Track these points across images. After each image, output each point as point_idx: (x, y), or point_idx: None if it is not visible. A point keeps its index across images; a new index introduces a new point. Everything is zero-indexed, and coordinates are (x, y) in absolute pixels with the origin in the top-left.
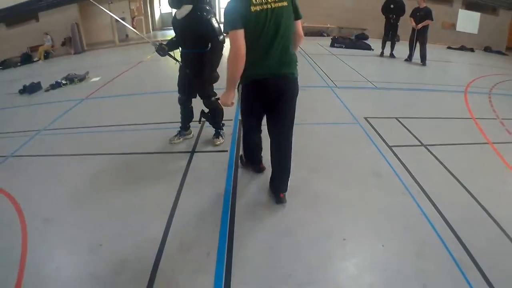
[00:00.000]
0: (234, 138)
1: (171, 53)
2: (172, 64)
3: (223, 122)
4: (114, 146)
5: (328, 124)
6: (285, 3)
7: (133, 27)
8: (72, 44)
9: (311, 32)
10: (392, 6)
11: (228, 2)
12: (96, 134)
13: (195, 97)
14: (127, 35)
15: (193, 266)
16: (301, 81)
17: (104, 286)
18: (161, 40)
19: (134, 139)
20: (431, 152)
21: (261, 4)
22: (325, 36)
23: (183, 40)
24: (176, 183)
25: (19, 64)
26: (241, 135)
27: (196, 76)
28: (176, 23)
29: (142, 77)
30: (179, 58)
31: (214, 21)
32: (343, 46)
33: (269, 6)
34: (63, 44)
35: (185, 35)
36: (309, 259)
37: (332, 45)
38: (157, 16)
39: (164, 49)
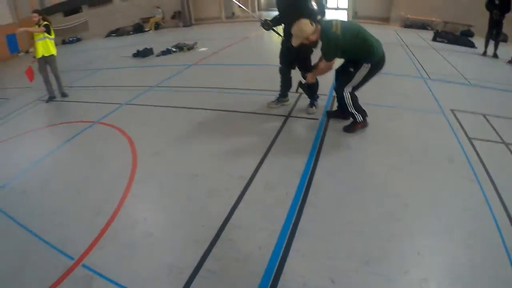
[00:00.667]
0: (326, 109)
1: (275, 28)
2: (273, 41)
3: (317, 94)
4: (216, 103)
5: (415, 110)
6: None
7: (238, 6)
8: (181, 17)
9: (414, 25)
10: (497, 1)
11: (328, 36)
12: (201, 93)
13: (294, 68)
14: (233, 13)
15: (272, 201)
16: (396, 70)
17: (195, 204)
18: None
19: (235, 100)
20: (510, 151)
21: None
22: (428, 29)
23: (286, 18)
24: (269, 138)
25: (131, 33)
26: (351, 103)
27: (296, 49)
28: (280, 3)
29: (246, 51)
30: (281, 34)
31: (313, 2)
32: (445, 41)
33: None
34: (173, 17)
35: (288, 13)
36: (371, 214)
37: (434, 39)
38: None
39: (269, 24)
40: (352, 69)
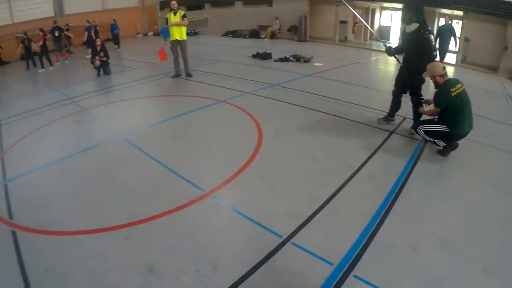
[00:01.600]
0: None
1: (396, 56)
2: (381, 70)
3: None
4: (330, 109)
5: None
6: None
7: (352, 32)
8: (296, 32)
9: None
10: None
11: (445, 90)
12: (316, 99)
13: (405, 93)
14: (346, 37)
15: (372, 188)
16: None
17: (311, 177)
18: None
19: (346, 110)
20: None
21: None
22: None
23: (407, 48)
24: (374, 144)
25: (247, 36)
26: (426, 137)
27: (411, 77)
28: (405, 35)
29: (357, 73)
30: (400, 61)
31: (432, 39)
32: None
33: None
34: (289, 30)
35: (409, 45)
36: (442, 214)
37: None
38: (375, 26)
39: (392, 51)
40: (436, 119)
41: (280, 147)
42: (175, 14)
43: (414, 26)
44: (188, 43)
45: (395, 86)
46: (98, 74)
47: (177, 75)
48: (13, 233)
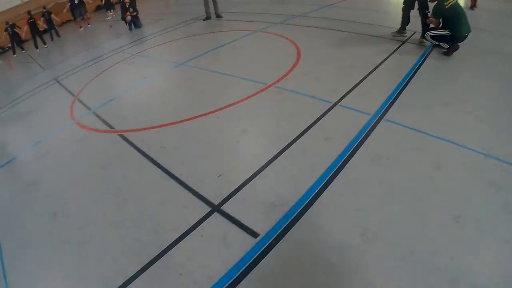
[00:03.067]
0: (427, 50)
1: None
2: None
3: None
4: (349, 29)
5: None
6: None
7: None
8: None
9: None
10: None
11: (439, 5)
12: (336, 22)
13: (413, 8)
14: None
15: (391, 75)
16: None
17: (345, 71)
18: None
19: (363, 29)
20: None
21: None
22: None
23: None
24: (390, 49)
25: None
26: (432, 41)
27: None
28: None
29: (368, 1)
30: None
31: None
32: None
33: None
34: None
35: None
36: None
37: None
38: None
39: None
40: (440, 26)
41: (315, 55)
42: None
43: None
44: None
45: (403, 3)
46: (130, 29)
47: (208, 18)
48: (121, 136)
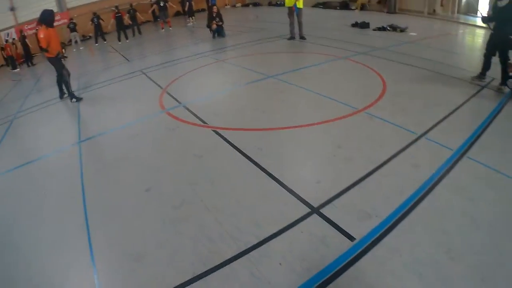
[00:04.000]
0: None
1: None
2: (468, 41)
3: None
4: (430, 67)
5: None
6: None
7: (440, 5)
8: (386, 4)
9: None
10: None
11: None
12: (417, 59)
13: (495, 55)
14: (434, 10)
15: (470, 113)
16: None
17: (429, 106)
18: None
19: (444, 69)
20: None
21: None
22: None
23: (500, 19)
24: (469, 92)
25: (337, 8)
26: None
27: (502, 43)
28: (496, 8)
29: (451, 42)
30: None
31: None
32: None
33: None
34: (379, 2)
35: (501, 16)
36: None
37: None
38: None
39: (486, 19)
40: None
41: (401, 88)
42: None
43: (505, 1)
44: (278, 12)
45: (486, 49)
46: (214, 37)
47: (292, 37)
48: (216, 132)
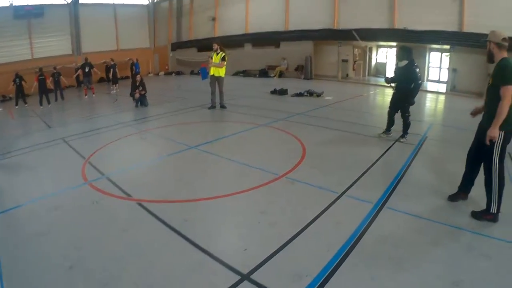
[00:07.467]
0: (415, 148)
1: (392, 84)
2: (379, 100)
3: (408, 132)
4: (345, 128)
5: None
6: None
7: (352, 69)
8: (303, 71)
9: None
10: None
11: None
12: (333, 122)
13: (397, 112)
14: (347, 74)
15: (388, 167)
16: None
17: (349, 165)
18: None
19: (356, 128)
20: None
21: None
22: None
23: (399, 78)
24: (384, 146)
25: (257, 76)
26: (497, 181)
27: (402, 100)
28: (398, 69)
29: (362, 104)
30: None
31: (417, 71)
32: None
33: None
34: (296, 69)
35: (401, 76)
36: None
37: None
38: (373, 63)
39: (389, 80)
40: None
41: (319, 151)
42: (217, 54)
43: (405, 62)
44: (202, 82)
45: (389, 107)
46: (137, 106)
47: (213, 107)
48: (140, 204)
